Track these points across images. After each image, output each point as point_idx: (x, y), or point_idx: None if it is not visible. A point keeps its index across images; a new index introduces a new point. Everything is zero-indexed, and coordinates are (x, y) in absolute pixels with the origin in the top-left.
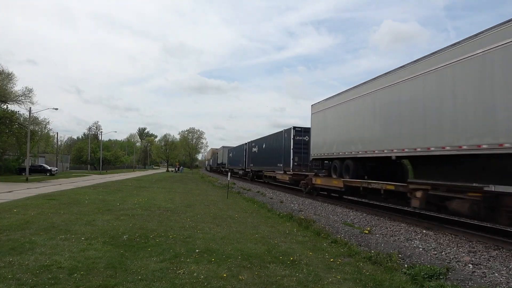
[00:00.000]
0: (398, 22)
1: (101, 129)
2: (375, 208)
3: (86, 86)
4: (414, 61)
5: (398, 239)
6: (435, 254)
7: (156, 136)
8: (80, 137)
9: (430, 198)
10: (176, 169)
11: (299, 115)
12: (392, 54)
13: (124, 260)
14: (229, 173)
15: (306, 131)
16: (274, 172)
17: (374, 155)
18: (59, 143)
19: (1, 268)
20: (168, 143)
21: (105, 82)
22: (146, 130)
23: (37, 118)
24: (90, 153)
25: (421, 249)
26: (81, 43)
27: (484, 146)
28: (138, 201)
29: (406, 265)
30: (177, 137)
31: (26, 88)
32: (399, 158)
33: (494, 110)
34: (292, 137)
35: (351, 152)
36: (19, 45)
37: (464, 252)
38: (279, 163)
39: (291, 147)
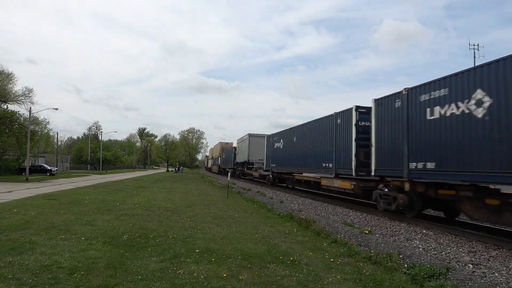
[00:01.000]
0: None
1: (101, 129)
2: (375, 208)
3: (86, 86)
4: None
5: (398, 239)
6: (435, 254)
7: (156, 136)
8: (80, 137)
9: None
10: (176, 169)
11: (299, 115)
12: (392, 54)
13: (124, 260)
14: (229, 173)
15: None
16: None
17: None
18: (59, 143)
19: (1, 268)
20: (168, 143)
21: (105, 82)
22: (146, 130)
23: (37, 118)
24: (90, 153)
25: (421, 249)
26: (80, 43)
27: None
28: (138, 201)
29: (406, 265)
30: (177, 137)
31: (26, 88)
32: None
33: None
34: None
35: None
36: (19, 44)
37: (464, 252)
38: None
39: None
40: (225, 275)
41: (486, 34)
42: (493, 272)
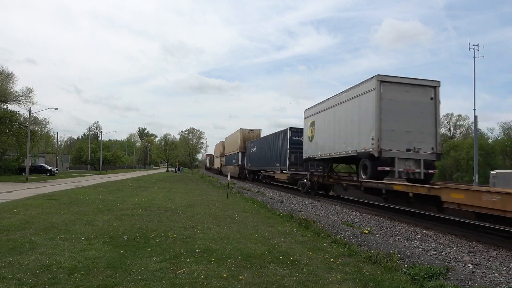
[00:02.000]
0: (399, 21)
1: (101, 129)
2: (375, 208)
3: (86, 85)
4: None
5: (398, 239)
6: (435, 254)
7: (156, 136)
8: (80, 137)
9: None
10: (176, 169)
11: (299, 115)
12: (393, 54)
13: (124, 260)
14: (229, 173)
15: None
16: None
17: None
18: (59, 143)
19: (1, 268)
20: (168, 143)
21: (105, 81)
22: (146, 130)
23: (37, 118)
24: (90, 153)
25: (421, 249)
26: (80, 43)
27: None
28: (138, 201)
29: (406, 265)
30: (177, 137)
31: (26, 88)
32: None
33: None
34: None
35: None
36: (19, 44)
37: (464, 252)
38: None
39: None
40: (225, 275)
41: (486, 34)
42: (493, 272)
